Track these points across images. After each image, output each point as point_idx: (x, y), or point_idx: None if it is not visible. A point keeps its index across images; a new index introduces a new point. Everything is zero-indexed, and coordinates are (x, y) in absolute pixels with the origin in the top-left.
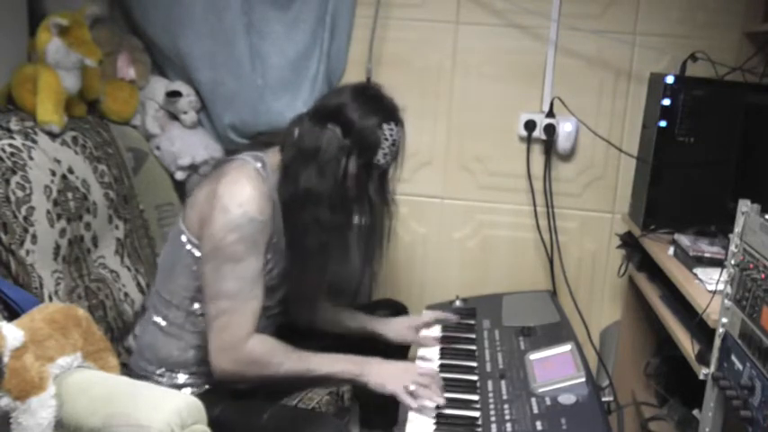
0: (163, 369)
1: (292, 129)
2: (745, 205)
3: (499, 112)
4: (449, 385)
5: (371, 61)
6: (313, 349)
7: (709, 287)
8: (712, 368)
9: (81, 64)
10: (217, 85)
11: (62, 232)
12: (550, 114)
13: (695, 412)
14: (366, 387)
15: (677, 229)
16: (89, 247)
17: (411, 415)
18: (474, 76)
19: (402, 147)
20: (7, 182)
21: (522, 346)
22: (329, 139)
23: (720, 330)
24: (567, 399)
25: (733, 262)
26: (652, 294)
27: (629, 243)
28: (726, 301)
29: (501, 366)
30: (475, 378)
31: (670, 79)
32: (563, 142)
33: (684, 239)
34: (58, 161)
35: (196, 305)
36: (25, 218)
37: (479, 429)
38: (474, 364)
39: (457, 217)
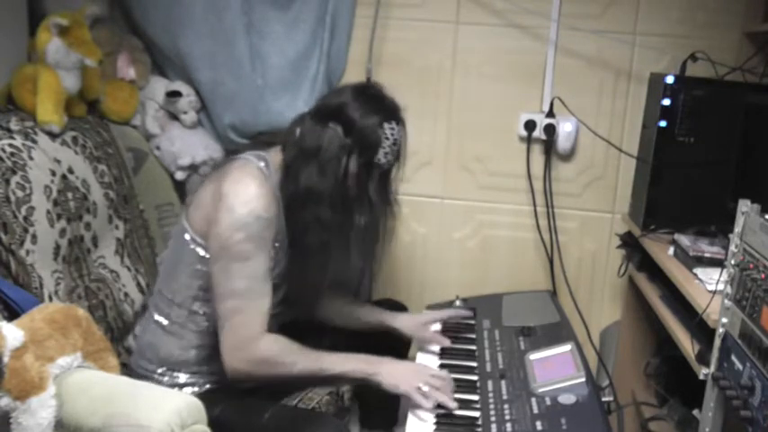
0: (164, 368)
1: (294, 128)
2: (745, 205)
3: (499, 112)
4: None
5: (371, 61)
6: (318, 347)
7: (709, 287)
8: (712, 368)
9: (81, 64)
10: (217, 85)
11: (62, 232)
12: (550, 114)
13: (695, 412)
14: (378, 386)
15: (677, 229)
16: (89, 247)
17: (411, 415)
18: (474, 76)
19: (404, 146)
20: (7, 182)
21: (522, 346)
22: (330, 137)
23: (720, 330)
24: (566, 399)
25: (733, 262)
26: (652, 294)
27: (629, 243)
28: (726, 301)
29: (501, 366)
30: (475, 378)
31: (670, 79)
32: (563, 142)
33: (684, 239)
34: (58, 161)
35: (199, 304)
36: (25, 218)
37: (479, 429)
38: (474, 364)
39: (457, 217)
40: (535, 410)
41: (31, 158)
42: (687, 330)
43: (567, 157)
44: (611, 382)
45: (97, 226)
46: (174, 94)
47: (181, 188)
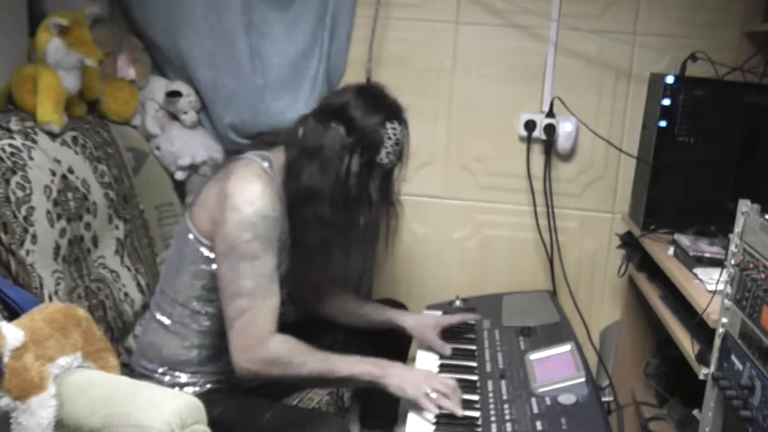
0: (165, 368)
1: (297, 128)
2: (745, 205)
3: (499, 112)
4: None
5: (371, 61)
6: (319, 345)
7: (710, 287)
8: (712, 368)
9: (81, 64)
10: (217, 85)
11: (62, 232)
12: (550, 114)
13: (695, 412)
14: (385, 389)
15: (677, 229)
16: (89, 247)
17: (411, 415)
18: (474, 76)
19: (406, 146)
20: (7, 182)
21: (522, 346)
22: (332, 137)
23: (720, 330)
24: (567, 399)
25: (733, 262)
26: (652, 294)
27: (629, 243)
28: (726, 301)
29: (501, 366)
30: (475, 378)
31: (670, 79)
32: (563, 142)
33: (684, 239)
34: (58, 161)
35: (201, 304)
36: (25, 218)
37: (479, 429)
38: (474, 364)
39: (457, 217)
40: (535, 410)
41: (31, 158)
42: (687, 330)
43: (567, 157)
44: (611, 382)
45: (97, 226)
46: (174, 94)
47: (181, 188)
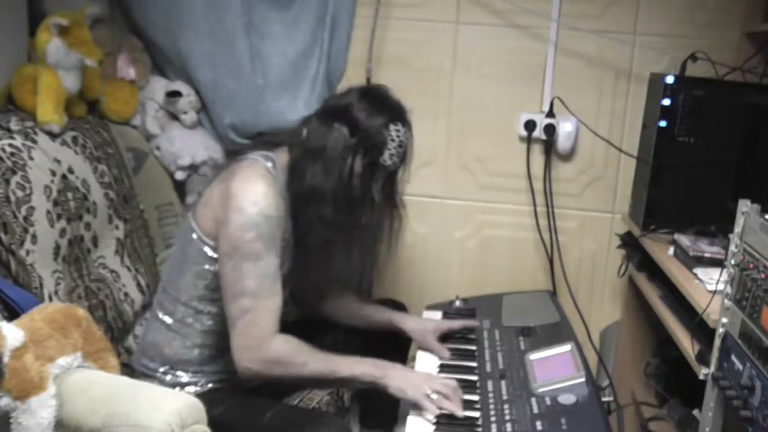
0: (167, 367)
1: (300, 128)
2: (745, 205)
3: (499, 112)
4: None
5: (371, 61)
6: (319, 345)
7: (710, 287)
8: (712, 368)
9: (81, 64)
10: (217, 85)
11: (62, 232)
12: (550, 114)
13: (695, 412)
14: (385, 390)
15: (677, 229)
16: (89, 247)
17: (411, 415)
18: (474, 76)
19: (410, 148)
20: (7, 182)
21: (522, 346)
22: (336, 137)
23: (720, 330)
24: (567, 399)
25: (733, 262)
26: (652, 294)
27: (629, 243)
28: (726, 301)
29: (501, 366)
30: (475, 378)
31: (670, 79)
32: (563, 142)
33: (684, 239)
34: (58, 161)
35: (204, 303)
36: (25, 218)
37: (479, 429)
38: (474, 364)
39: (457, 217)
40: (535, 410)
41: (31, 158)
42: (687, 330)
43: (567, 157)
44: (611, 382)
45: (97, 226)
46: (174, 94)
47: (181, 188)
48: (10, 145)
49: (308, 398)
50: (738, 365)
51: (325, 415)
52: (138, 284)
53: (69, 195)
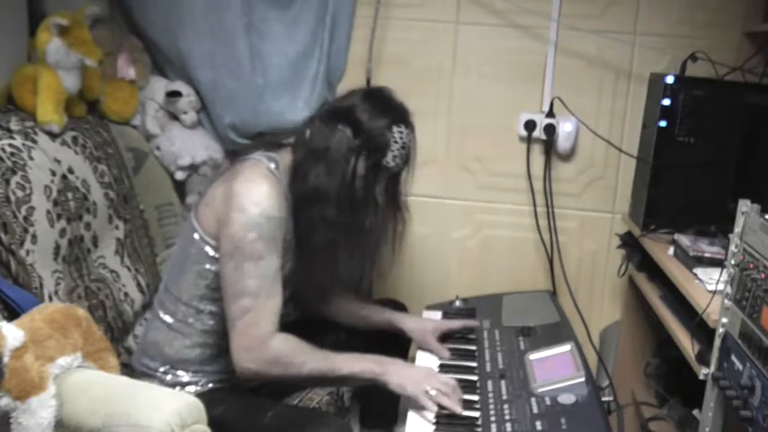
0: (167, 366)
1: (304, 130)
2: (745, 205)
3: (499, 112)
4: None
5: (371, 61)
6: (320, 344)
7: (710, 287)
8: (712, 368)
9: (81, 64)
10: (217, 85)
11: (62, 232)
12: (550, 114)
13: (695, 412)
14: (385, 387)
15: (677, 229)
16: (89, 247)
17: (411, 415)
18: (474, 76)
19: (413, 150)
20: (7, 182)
21: (522, 346)
22: (339, 139)
23: (720, 330)
24: (566, 399)
25: (733, 262)
26: (652, 294)
27: (629, 243)
28: (726, 301)
29: (501, 366)
30: (475, 378)
31: (670, 79)
32: (563, 142)
33: (684, 239)
34: (58, 161)
35: (205, 303)
36: (25, 218)
37: (479, 429)
38: (474, 364)
39: (457, 217)
40: (535, 410)
41: (31, 158)
42: (687, 330)
43: (567, 157)
44: (611, 382)
45: (97, 226)
46: (174, 94)
47: (181, 188)
48: (10, 145)
49: (308, 398)
50: (738, 365)
51: (326, 415)
52: (138, 284)
53: (69, 195)
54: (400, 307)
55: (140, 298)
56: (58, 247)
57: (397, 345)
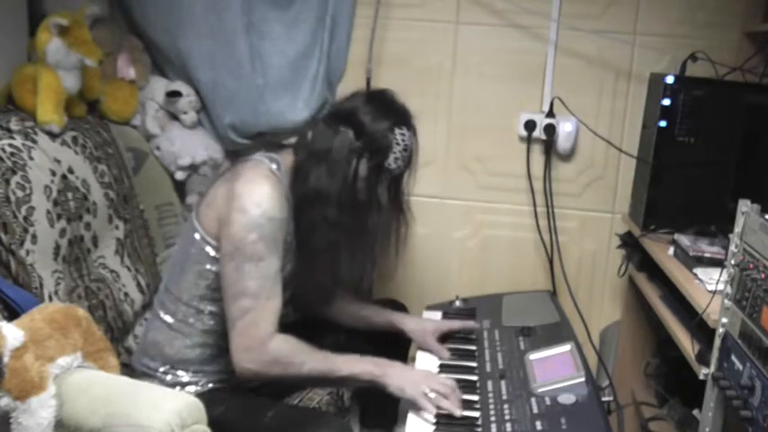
0: (167, 366)
1: (306, 131)
2: (745, 205)
3: (499, 112)
4: None
5: (371, 61)
6: (320, 345)
7: (710, 287)
8: (712, 368)
9: (81, 64)
10: (217, 85)
11: (62, 232)
12: (550, 114)
13: (695, 412)
14: (384, 389)
15: (677, 229)
16: (89, 247)
17: (411, 415)
18: (474, 76)
19: (415, 153)
20: (7, 182)
21: (522, 346)
22: (341, 140)
23: (720, 330)
24: (566, 399)
25: (733, 262)
26: (652, 294)
27: (629, 243)
28: (726, 301)
29: (501, 366)
30: (475, 378)
31: (670, 79)
32: (563, 142)
33: (684, 239)
34: (58, 161)
35: (205, 303)
36: (25, 218)
37: (479, 429)
38: (474, 364)
39: (457, 217)
40: (535, 410)
41: (31, 158)
42: (687, 330)
43: (567, 157)
44: (611, 382)
45: (97, 226)
46: (174, 94)
47: (181, 188)
48: (10, 145)
49: (308, 398)
50: (738, 365)
51: (326, 415)
52: (138, 284)
53: (69, 195)
54: (400, 307)
55: (140, 298)
56: (58, 247)
57: (398, 345)
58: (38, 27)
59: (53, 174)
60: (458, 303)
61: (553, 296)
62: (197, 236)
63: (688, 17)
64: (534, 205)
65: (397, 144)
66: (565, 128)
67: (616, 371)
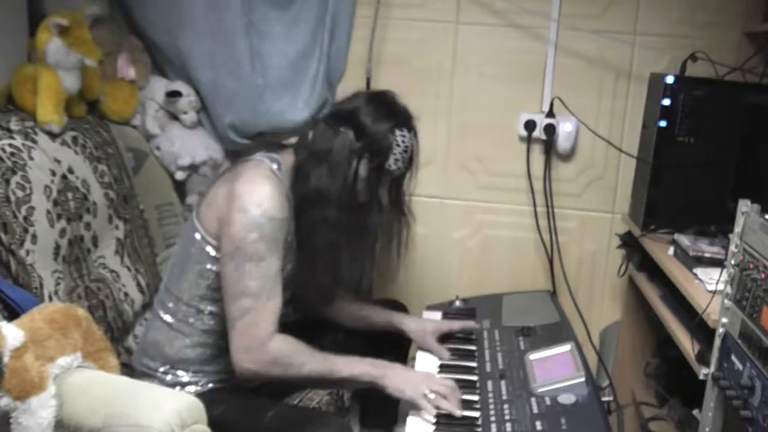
0: (167, 366)
1: (307, 131)
2: (745, 205)
3: (499, 112)
4: None
5: (371, 61)
6: (319, 345)
7: (710, 287)
8: (712, 368)
9: (81, 64)
10: (217, 85)
11: (62, 232)
12: (550, 114)
13: (695, 412)
14: (384, 390)
15: (677, 229)
16: (89, 247)
17: (410, 415)
18: (474, 76)
19: (416, 154)
20: (7, 182)
21: (522, 346)
22: (341, 141)
23: (720, 330)
24: (566, 399)
25: (733, 262)
26: (652, 294)
27: (629, 243)
28: (726, 301)
29: (501, 366)
30: (475, 378)
31: (670, 79)
32: (563, 142)
33: (684, 239)
34: (58, 161)
35: (206, 303)
36: (25, 218)
37: (479, 429)
38: (474, 364)
39: (457, 217)
40: (535, 410)
41: (31, 158)
42: (687, 330)
43: (567, 157)
44: (611, 382)
45: (97, 226)
46: (174, 94)
47: (181, 188)
48: (10, 145)
49: (308, 398)
50: (738, 365)
51: (326, 415)
52: (138, 284)
53: (69, 195)
54: (400, 307)
55: (140, 298)
56: (58, 247)
57: (398, 345)
58: (38, 27)
59: (53, 174)
60: (458, 303)
61: (553, 296)
62: (197, 236)
63: (688, 17)
64: (534, 205)
65: (398, 145)
66: (565, 128)
67: (616, 371)
